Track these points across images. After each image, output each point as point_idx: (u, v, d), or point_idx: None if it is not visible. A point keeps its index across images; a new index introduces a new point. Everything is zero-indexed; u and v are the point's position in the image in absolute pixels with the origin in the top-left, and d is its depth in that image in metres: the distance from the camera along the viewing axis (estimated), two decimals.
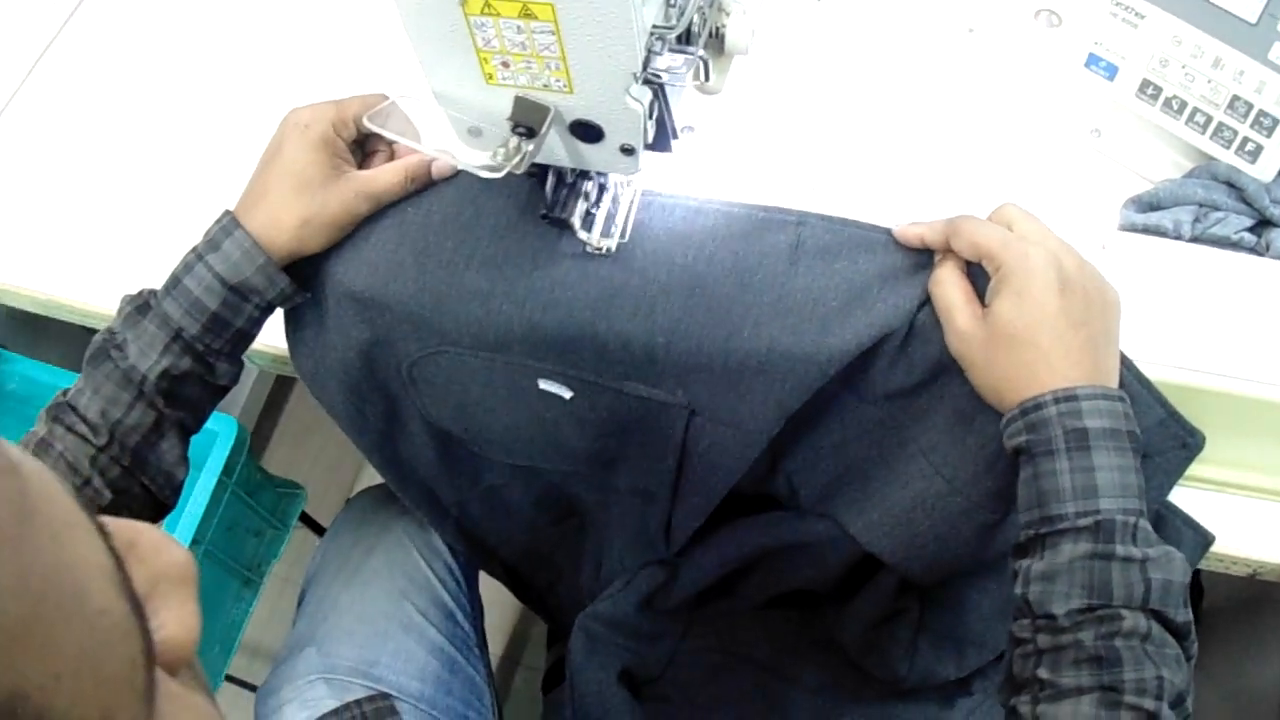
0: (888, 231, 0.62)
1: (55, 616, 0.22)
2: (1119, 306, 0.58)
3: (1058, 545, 0.53)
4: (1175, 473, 0.64)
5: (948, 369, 0.61)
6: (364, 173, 0.63)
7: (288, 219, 0.61)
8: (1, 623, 0.21)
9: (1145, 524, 0.53)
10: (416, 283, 0.63)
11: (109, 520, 0.27)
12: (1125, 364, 0.60)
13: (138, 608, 0.25)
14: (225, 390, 0.66)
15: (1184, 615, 0.52)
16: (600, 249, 0.61)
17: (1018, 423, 0.55)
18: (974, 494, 0.64)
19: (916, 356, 0.62)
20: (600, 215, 0.62)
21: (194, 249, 0.62)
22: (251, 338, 0.65)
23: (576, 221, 0.60)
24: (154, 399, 0.61)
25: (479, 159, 0.53)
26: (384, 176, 0.62)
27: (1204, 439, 0.63)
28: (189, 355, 0.61)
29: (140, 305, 0.62)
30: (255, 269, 0.61)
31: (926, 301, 0.60)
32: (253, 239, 0.60)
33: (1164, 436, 0.62)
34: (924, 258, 0.61)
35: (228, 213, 0.62)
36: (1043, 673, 0.52)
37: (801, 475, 0.73)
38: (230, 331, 0.62)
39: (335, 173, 0.62)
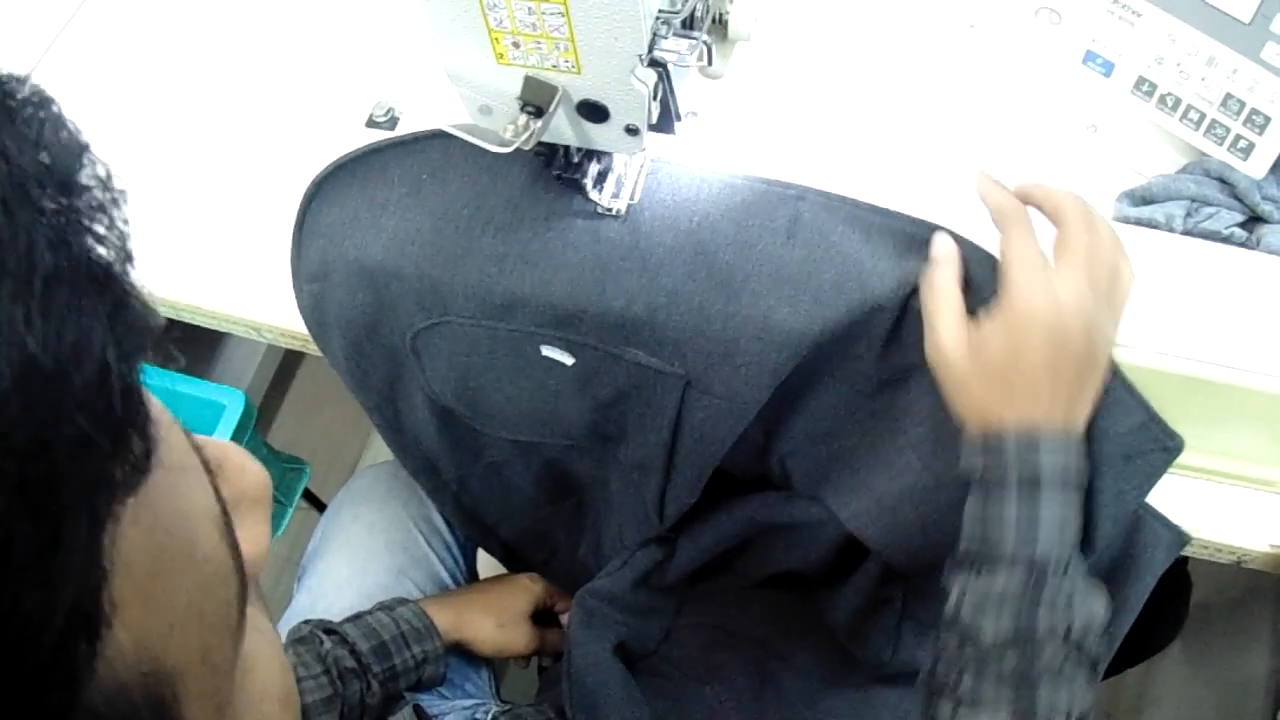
0: (884, 212, 0.63)
1: (172, 568, 0.22)
2: (1108, 359, 0.59)
3: (994, 572, 0.56)
4: (1155, 475, 0.64)
5: None
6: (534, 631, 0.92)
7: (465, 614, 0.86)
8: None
9: (1076, 561, 0.56)
10: (432, 245, 0.65)
11: (200, 438, 0.27)
12: (1111, 368, 0.60)
13: (235, 550, 0.25)
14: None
15: (1098, 648, 0.56)
16: (610, 209, 0.64)
17: (977, 449, 0.58)
18: (959, 489, 0.65)
19: (910, 340, 0.63)
20: (611, 178, 0.64)
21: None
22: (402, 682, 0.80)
23: (588, 182, 0.62)
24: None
25: (489, 136, 0.54)
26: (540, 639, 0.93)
27: (1183, 442, 0.63)
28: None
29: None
30: (422, 622, 0.82)
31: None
32: (428, 618, 0.83)
33: (1145, 439, 0.63)
34: (918, 239, 0.63)
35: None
36: (965, 681, 0.55)
37: (794, 460, 0.74)
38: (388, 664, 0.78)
39: (520, 615, 0.91)
